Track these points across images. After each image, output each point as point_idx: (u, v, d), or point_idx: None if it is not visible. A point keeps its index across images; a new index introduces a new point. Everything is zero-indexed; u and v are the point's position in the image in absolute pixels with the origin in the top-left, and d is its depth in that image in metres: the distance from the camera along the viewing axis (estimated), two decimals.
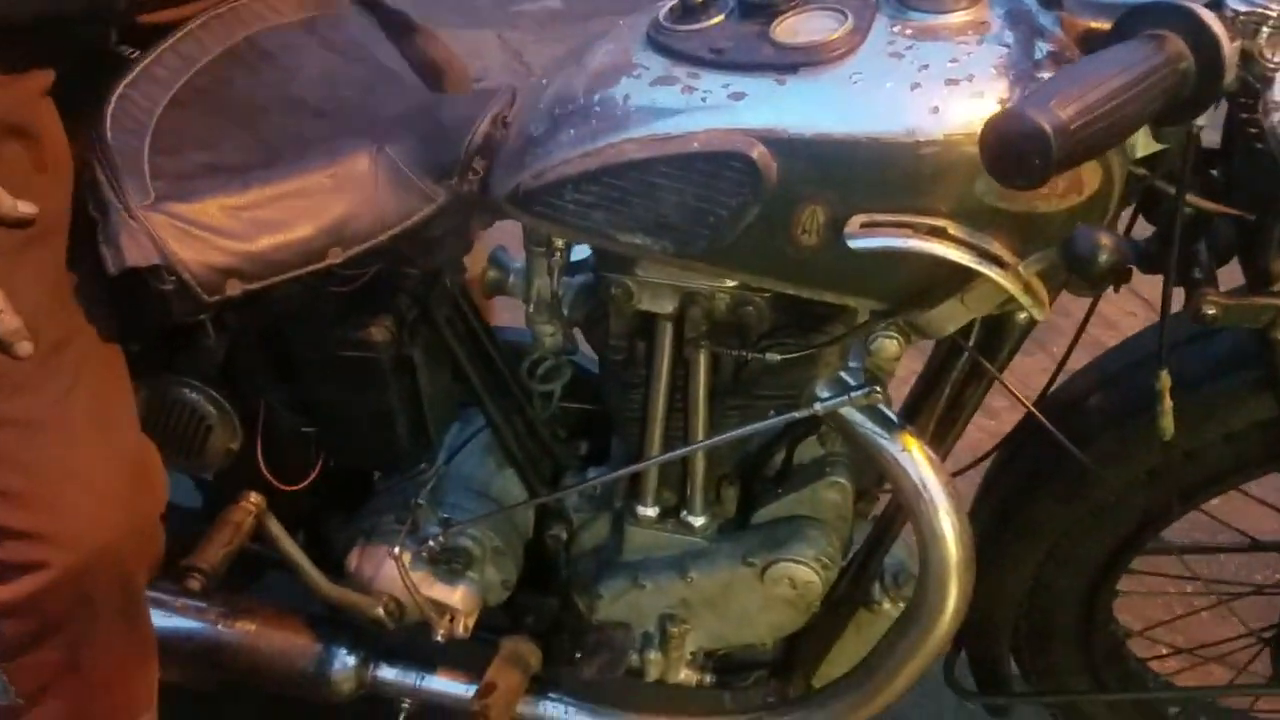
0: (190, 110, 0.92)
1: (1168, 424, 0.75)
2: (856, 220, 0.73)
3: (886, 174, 0.72)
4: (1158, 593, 1.12)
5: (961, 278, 0.74)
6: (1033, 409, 0.91)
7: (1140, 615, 1.17)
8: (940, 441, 0.97)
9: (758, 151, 0.74)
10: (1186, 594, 1.11)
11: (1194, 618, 1.13)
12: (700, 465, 1.04)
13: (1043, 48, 0.73)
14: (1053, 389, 1.01)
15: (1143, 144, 0.75)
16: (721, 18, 0.79)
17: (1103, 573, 1.05)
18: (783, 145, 0.73)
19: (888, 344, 0.81)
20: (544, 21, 3.28)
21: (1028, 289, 0.72)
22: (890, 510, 1.04)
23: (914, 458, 0.90)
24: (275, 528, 1.02)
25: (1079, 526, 1.01)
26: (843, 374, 0.90)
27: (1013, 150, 0.54)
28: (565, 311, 1.02)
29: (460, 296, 1.08)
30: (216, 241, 0.85)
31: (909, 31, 0.74)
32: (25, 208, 0.81)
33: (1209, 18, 0.56)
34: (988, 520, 1.05)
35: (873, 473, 1.07)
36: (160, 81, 0.92)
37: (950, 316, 0.79)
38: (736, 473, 1.09)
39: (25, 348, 0.81)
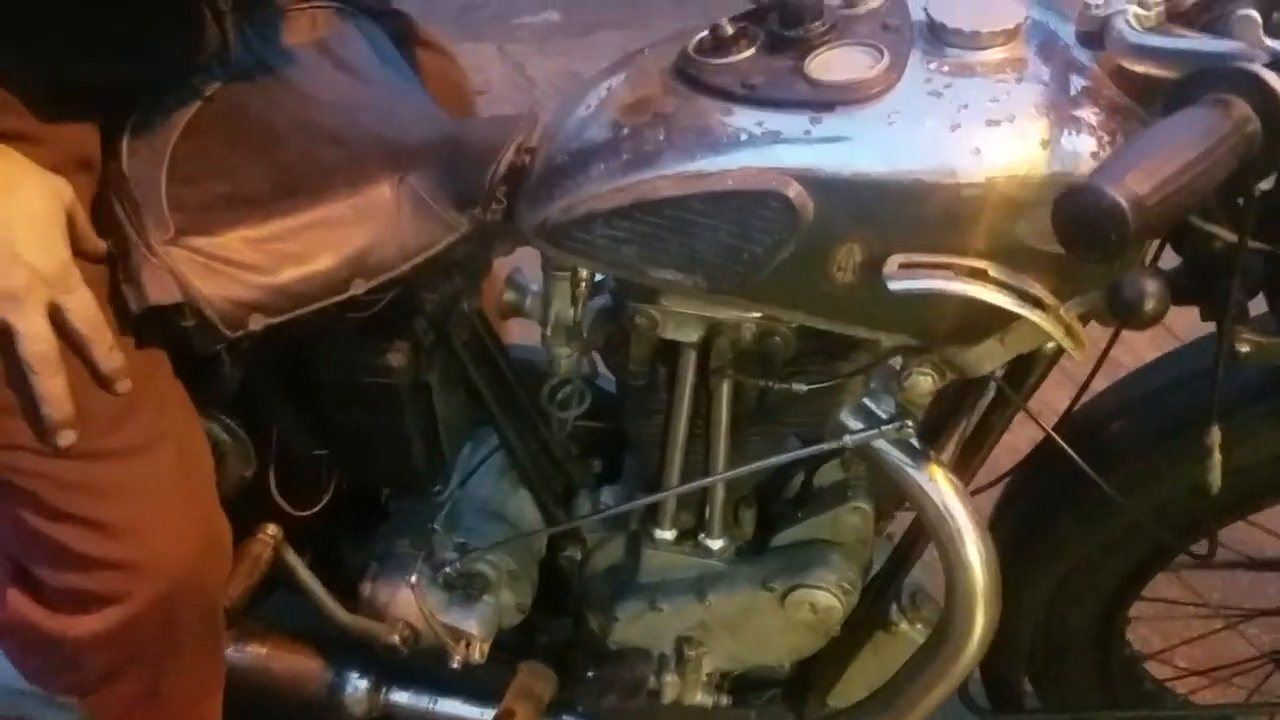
0: (207, 137, 0.90)
1: (1215, 479, 0.75)
2: (895, 260, 0.72)
3: (926, 215, 0.72)
4: (1169, 616, 1.13)
5: (1001, 318, 0.73)
6: (1056, 437, 0.91)
7: (1153, 638, 1.18)
8: (964, 467, 0.97)
9: (794, 191, 0.73)
10: (1199, 617, 1.11)
11: (1205, 640, 1.14)
12: (720, 491, 1.03)
13: (1080, 85, 0.73)
14: (1074, 411, 1.01)
15: None
16: (752, 51, 0.78)
17: (1120, 593, 1.06)
18: (820, 184, 0.73)
19: (921, 381, 0.81)
20: (544, 34, 3.27)
21: (1068, 331, 0.72)
22: (911, 534, 1.04)
23: (941, 488, 0.90)
24: (293, 559, 1.02)
25: (1098, 549, 1.02)
26: (868, 401, 0.90)
27: (1089, 226, 0.54)
28: (584, 334, 1.01)
29: (477, 319, 1.07)
30: (239, 275, 0.84)
31: (946, 68, 0.74)
32: (102, 242, 0.82)
33: (1275, 81, 0.56)
34: (1006, 540, 1.05)
35: (892, 494, 1.07)
36: (174, 107, 0.90)
37: (988, 355, 0.79)
38: (755, 494, 1.09)
39: (125, 384, 0.82)
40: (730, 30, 0.79)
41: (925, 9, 0.76)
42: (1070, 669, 1.13)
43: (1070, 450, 0.92)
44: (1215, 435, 0.73)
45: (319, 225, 0.87)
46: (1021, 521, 1.06)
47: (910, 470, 0.90)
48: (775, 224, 0.74)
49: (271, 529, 1.01)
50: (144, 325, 0.84)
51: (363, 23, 1.08)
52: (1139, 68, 0.67)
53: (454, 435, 1.12)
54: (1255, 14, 0.58)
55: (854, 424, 0.90)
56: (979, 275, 0.71)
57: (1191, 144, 0.54)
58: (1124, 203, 0.52)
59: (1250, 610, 1.06)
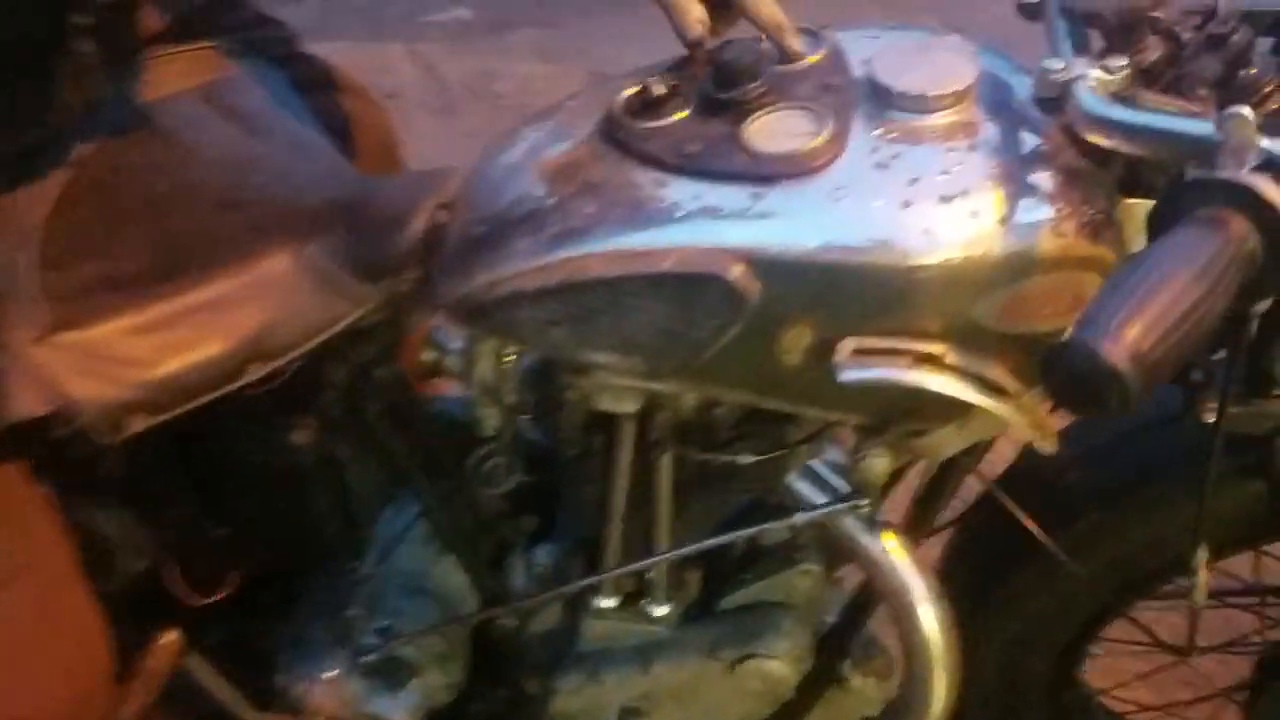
0: (80, 210, 0.81)
1: (1201, 597, 0.71)
2: (846, 346, 0.67)
3: (879, 298, 0.66)
4: (1120, 651, 1.11)
5: (962, 404, 0.68)
6: (1008, 502, 0.88)
7: (1106, 671, 1.16)
8: (916, 529, 0.92)
9: (736, 273, 0.67)
10: (1152, 652, 1.10)
11: (1158, 675, 1.12)
12: (665, 544, 0.97)
13: (1037, 149, 0.68)
14: (1021, 462, 0.97)
15: (1137, 242, 0.71)
16: (685, 113, 0.72)
17: (1076, 640, 1.03)
18: (764, 266, 0.67)
19: (876, 462, 0.76)
20: (455, 32, 3.12)
21: (1035, 421, 0.67)
22: (864, 592, 1.00)
23: (896, 558, 0.85)
24: (196, 664, 0.93)
25: (1053, 602, 0.99)
26: (821, 465, 0.85)
27: (1084, 390, 0.47)
28: (512, 398, 0.94)
29: (393, 384, 0.99)
30: (119, 373, 0.75)
31: (892, 135, 0.68)
32: None
33: (1272, 191, 0.51)
34: (957, 594, 1.01)
35: (844, 550, 1.03)
36: (41, 178, 0.80)
37: (947, 441, 0.74)
38: (700, 555, 1.03)
39: None
40: (661, 89, 0.72)
41: (868, 67, 0.71)
42: (1025, 712, 1.11)
43: (1021, 513, 0.88)
44: (1202, 555, 0.69)
45: (207, 307, 0.79)
46: (972, 575, 1.02)
47: (863, 540, 0.86)
48: (717, 308, 0.68)
49: (169, 636, 0.92)
50: (6, 435, 0.75)
51: (257, 66, 0.98)
52: (1103, 142, 0.62)
53: (371, 507, 1.04)
54: (1248, 111, 0.53)
55: (805, 490, 0.84)
56: (935, 362, 0.65)
57: (1188, 276, 0.48)
58: (1123, 365, 0.46)
59: (1200, 646, 1.05)
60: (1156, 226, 0.53)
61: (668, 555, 0.90)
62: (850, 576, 1.03)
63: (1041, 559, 0.95)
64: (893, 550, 0.86)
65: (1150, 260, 0.50)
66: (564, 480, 0.97)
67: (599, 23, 3.14)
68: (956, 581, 1.03)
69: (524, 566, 1.05)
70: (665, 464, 0.88)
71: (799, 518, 0.81)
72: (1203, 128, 0.57)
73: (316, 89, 1.02)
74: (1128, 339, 0.46)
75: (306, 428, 0.92)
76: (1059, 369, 0.48)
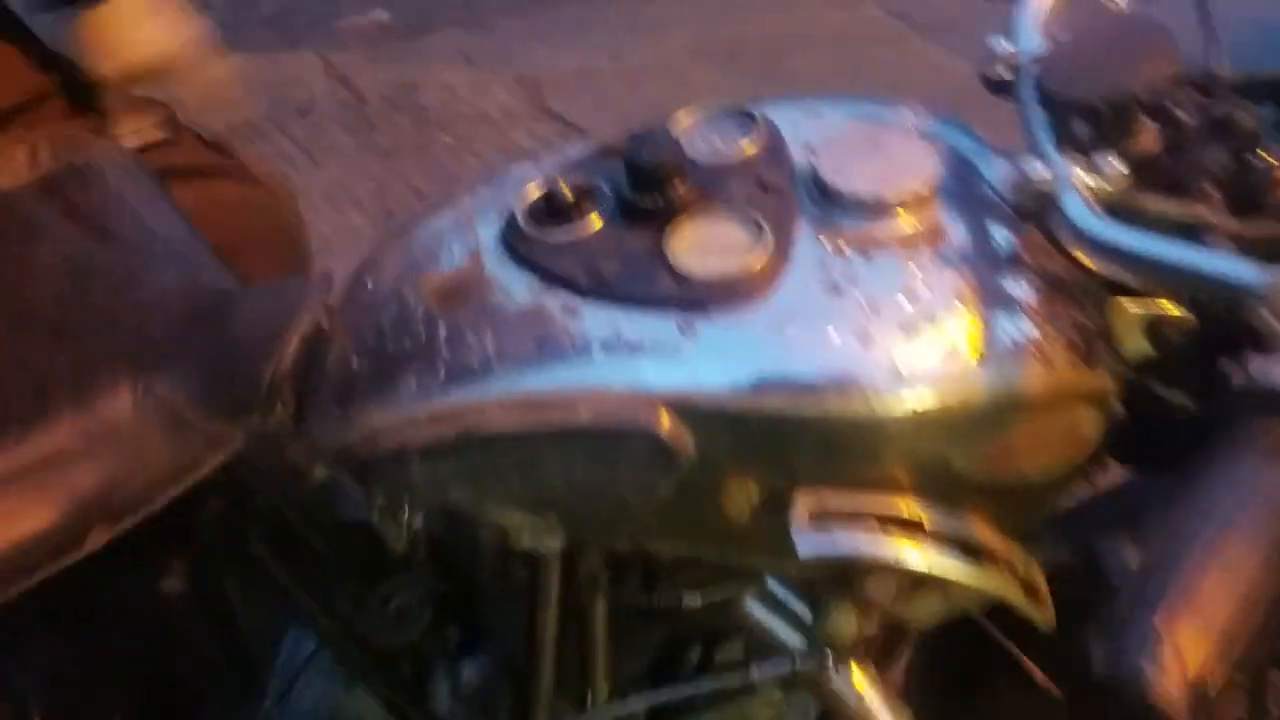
0: None
1: None
2: (803, 505, 0.55)
3: (837, 451, 0.55)
4: None
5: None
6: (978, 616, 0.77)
7: None
8: (884, 657, 0.82)
9: (666, 425, 0.55)
10: None
11: None
12: (602, 688, 0.86)
13: (1013, 254, 0.57)
14: None
15: (1133, 346, 0.60)
16: (599, 222, 0.60)
17: None
18: (698, 416, 0.55)
19: (840, 620, 0.65)
20: (372, 38, 2.92)
21: (1028, 590, 0.56)
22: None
23: (863, 696, 0.75)
24: None
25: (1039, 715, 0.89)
26: (782, 591, 0.74)
27: None
28: (418, 525, 0.82)
29: (282, 506, 0.86)
30: None
31: (844, 248, 0.57)
32: None
33: None
34: (926, 712, 0.92)
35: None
36: None
37: (927, 609, 0.63)
38: (647, 676, 0.92)
39: None
40: (569, 195, 0.60)
41: (811, 160, 0.59)
42: None
43: (992, 627, 0.78)
44: None
45: (36, 466, 0.65)
46: (942, 689, 0.92)
47: (827, 679, 0.75)
48: (645, 465, 0.57)
49: None
50: None
51: (115, 153, 0.83)
52: (1102, 269, 0.52)
53: (265, 638, 0.91)
54: None
55: (764, 619, 0.73)
56: (907, 526, 0.54)
57: (1246, 547, 0.34)
58: (1176, 704, 0.33)
59: None
60: (1191, 441, 0.41)
61: (607, 716, 0.79)
62: None
63: (1017, 674, 0.86)
64: (859, 686, 0.76)
65: (1197, 528, 0.36)
66: (485, 610, 0.86)
67: (525, 23, 2.99)
68: (925, 695, 0.93)
69: (449, 688, 0.93)
70: (599, 605, 0.76)
71: (756, 674, 0.70)
72: (1237, 270, 0.45)
73: (194, 177, 0.88)
74: (1180, 660, 0.33)
75: (175, 575, 0.79)
76: (1089, 702, 0.35)
